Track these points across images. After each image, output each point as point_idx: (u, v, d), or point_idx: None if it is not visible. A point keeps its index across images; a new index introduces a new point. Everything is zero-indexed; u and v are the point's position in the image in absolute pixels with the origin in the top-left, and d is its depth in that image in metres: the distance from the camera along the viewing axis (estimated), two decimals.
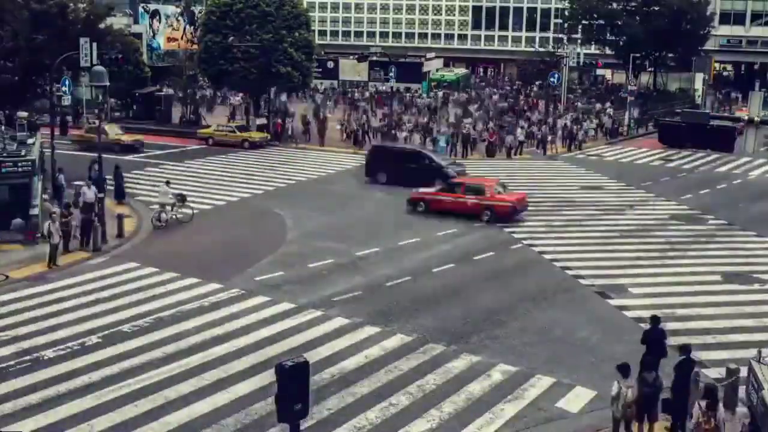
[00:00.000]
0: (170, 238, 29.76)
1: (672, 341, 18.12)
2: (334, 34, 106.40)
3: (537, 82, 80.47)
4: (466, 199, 32.56)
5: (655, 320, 17.25)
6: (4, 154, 28.77)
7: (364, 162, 41.14)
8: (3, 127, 35.96)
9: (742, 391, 16.19)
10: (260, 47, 50.36)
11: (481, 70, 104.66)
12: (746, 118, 51.62)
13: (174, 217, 31.31)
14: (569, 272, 25.99)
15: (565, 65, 67.37)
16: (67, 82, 47.83)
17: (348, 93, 77.01)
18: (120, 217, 29.44)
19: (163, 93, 59.98)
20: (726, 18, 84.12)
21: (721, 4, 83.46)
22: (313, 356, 17.68)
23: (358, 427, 15.86)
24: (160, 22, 73.61)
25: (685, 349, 15.78)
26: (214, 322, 21.02)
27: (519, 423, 16.21)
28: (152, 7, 73.13)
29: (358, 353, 19.22)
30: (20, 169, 28.36)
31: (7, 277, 24.19)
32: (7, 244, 27.08)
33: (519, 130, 51.95)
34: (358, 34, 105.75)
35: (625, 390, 14.73)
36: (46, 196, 31.09)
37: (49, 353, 18.73)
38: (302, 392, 11.18)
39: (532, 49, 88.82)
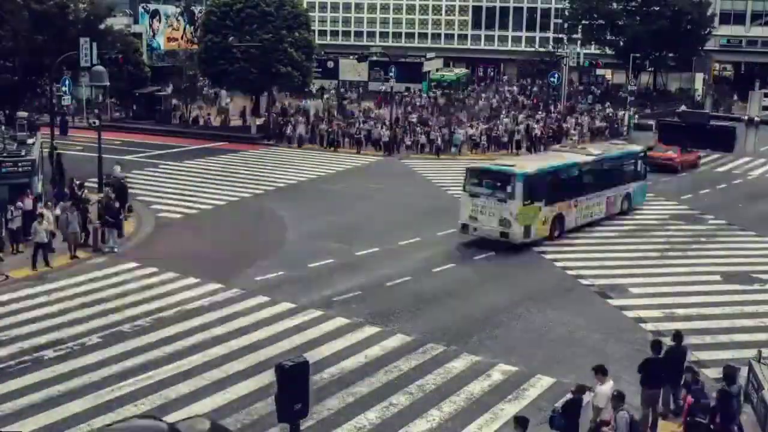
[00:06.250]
0: (170, 238, 29.77)
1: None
2: (334, 34, 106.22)
3: (537, 82, 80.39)
4: None
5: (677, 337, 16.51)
6: (4, 154, 28.75)
7: None
8: (3, 127, 35.92)
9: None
10: (260, 47, 50.33)
11: (481, 70, 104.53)
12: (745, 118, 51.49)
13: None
14: (569, 272, 26.00)
15: (565, 65, 67.23)
16: (67, 82, 47.78)
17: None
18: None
19: (162, 93, 59.95)
20: (726, 18, 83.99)
21: (721, 4, 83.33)
22: (313, 356, 17.61)
23: (358, 427, 15.86)
24: (160, 22, 73.45)
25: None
26: (214, 322, 21.01)
27: None
28: (152, 7, 72.95)
29: (358, 353, 19.22)
30: (20, 169, 28.34)
31: (7, 277, 24.17)
32: None
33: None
34: (358, 34, 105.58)
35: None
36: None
37: (49, 353, 18.72)
38: (302, 392, 11.17)
39: (532, 49, 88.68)
